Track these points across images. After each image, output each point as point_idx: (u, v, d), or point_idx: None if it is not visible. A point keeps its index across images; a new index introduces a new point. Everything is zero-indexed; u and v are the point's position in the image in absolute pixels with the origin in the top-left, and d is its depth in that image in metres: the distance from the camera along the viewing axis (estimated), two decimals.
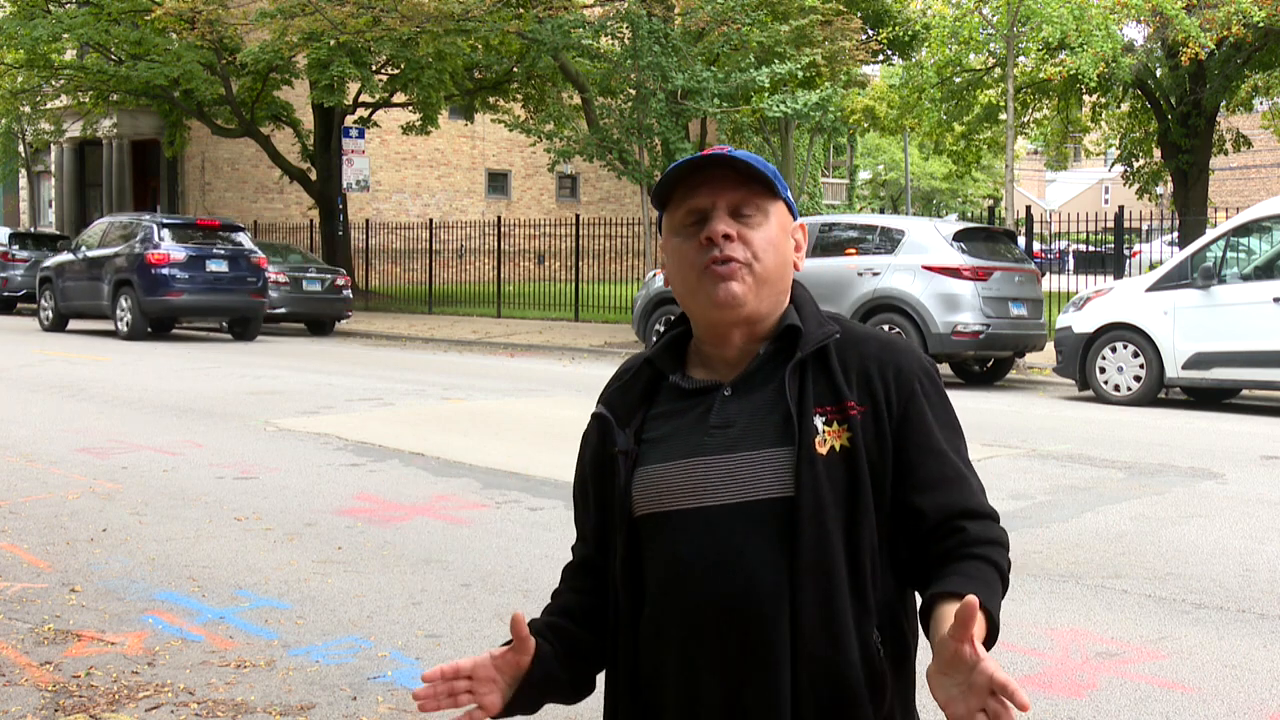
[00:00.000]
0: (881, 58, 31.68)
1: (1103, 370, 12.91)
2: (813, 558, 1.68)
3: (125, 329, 19.96)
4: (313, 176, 28.43)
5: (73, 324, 22.14)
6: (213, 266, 19.87)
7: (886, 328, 13.87)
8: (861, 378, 1.75)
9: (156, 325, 20.39)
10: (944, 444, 1.76)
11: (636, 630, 1.79)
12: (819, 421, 1.72)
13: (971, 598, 1.49)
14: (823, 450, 1.71)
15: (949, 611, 1.60)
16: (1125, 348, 12.73)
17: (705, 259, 1.77)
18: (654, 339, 13.25)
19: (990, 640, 1.63)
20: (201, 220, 22.42)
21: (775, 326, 1.80)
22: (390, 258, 31.72)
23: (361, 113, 28.53)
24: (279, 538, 6.39)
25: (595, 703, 1.94)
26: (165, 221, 20.71)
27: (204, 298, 19.86)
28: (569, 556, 1.97)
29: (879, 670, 1.71)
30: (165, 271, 19.46)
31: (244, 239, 20.89)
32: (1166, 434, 10.47)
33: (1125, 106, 26.61)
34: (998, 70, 23.26)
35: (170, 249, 19.63)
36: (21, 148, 34.16)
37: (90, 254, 20.78)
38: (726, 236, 1.76)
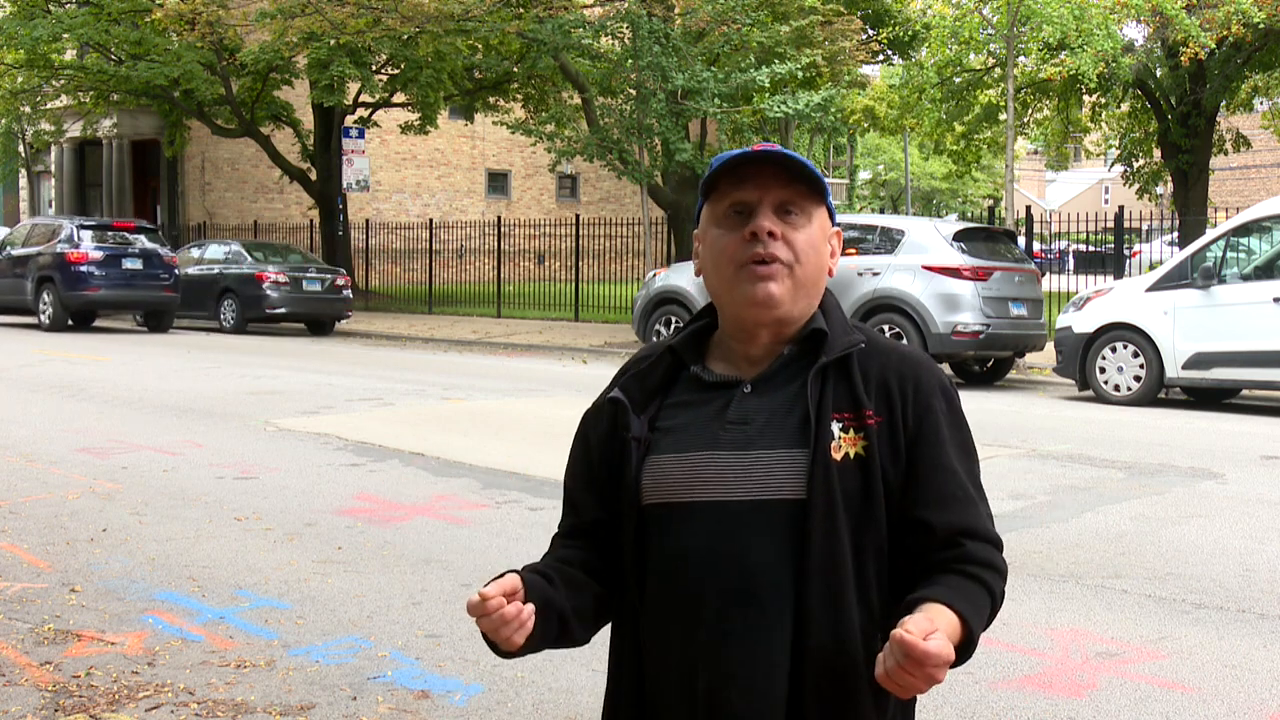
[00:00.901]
0: (881, 58, 31.68)
1: (1103, 370, 12.91)
2: (821, 560, 1.69)
3: (47, 321, 21.39)
4: (313, 176, 28.43)
5: (0, 318, 23.09)
6: (128, 264, 21.48)
7: (886, 328, 13.88)
8: (881, 389, 1.75)
9: (76, 318, 21.80)
10: (955, 463, 1.76)
11: (640, 619, 1.80)
12: (836, 427, 1.73)
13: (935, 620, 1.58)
14: (837, 456, 1.71)
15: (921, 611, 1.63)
16: (1125, 348, 12.73)
17: (747, 255, 1.76)
18: (654, 339, 13.23)
19: (963, 657, 1.66)
20: (118, 222, 24.24)
21: (801, 329, 1.81)
22: (390, 258, 31.71)
23: (361, 113, 28.52)
24: (279, 538, 6.39)
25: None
26: (84, 223, 22.57)
27: (120, 293, 21.45)
28: None
29: None
30: (84, 269, 21.11)
31: (157, 239, 22.81)
32: (1166, 434, 10.47)
33: (1125, 106, 26.62)
34: (998, 70, 23.27)
35: (88, 248, 21.35)
36: (21, 148, 34.13)
37: (15, 253, 22.32)
38: (771, 234, 1.76)
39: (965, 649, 1.65)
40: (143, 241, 22.14)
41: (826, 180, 1.84)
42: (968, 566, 1.71)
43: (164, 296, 21.89)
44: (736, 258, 1.77)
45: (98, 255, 21.29)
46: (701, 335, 1.87)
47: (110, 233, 22.36)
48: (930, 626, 1.55)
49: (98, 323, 22.97)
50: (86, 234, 21.70)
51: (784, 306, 1.77)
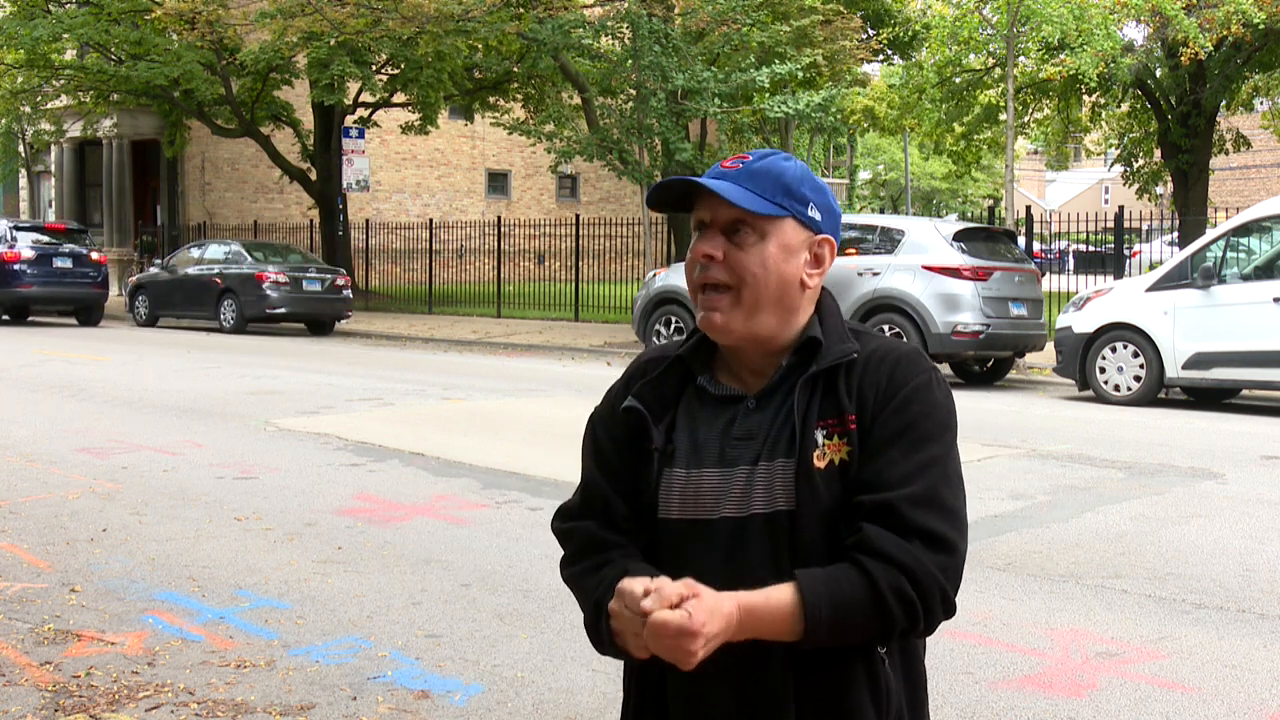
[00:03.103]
0: (882, 58, 31.69)
1: (1103, 370, 12.91)
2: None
3: None
4: (313, 176, 28.43)
5: None
6: (59, 263, 23.30)
7: (886, 328, 13.87)
8: (860, 390, 1.74)
9: (11, 313, 23.70)
10: (900, 452, 1.70)
11: None
12: (819, 435, 1.72)
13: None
14: (821, 464, 1.71)
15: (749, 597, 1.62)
16: (1125, 348, 12.73)
17: (695, 279, 1.80)
18: (654, 339, 13.22)
19: (809, 642, 1.62)
20: (50, 224, 25.98)
21: (797, 338, 1.80)
22: (390, 258, 31.71)
23: (361, 112, 28.52)
24: (279, 538, 6.39)
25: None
26: (18, 225, 24.41)
27: (51, 289, 23.29)
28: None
29: (882, 675, 1.72)
30: (17, 267, 22.88)
31: (86, 240, 24.41)
32: (1166, 434, 10.47)
33: (1125, 106, 26.64)
34: (998, 70, 23.27)
35: (21, 248, 23.09)
36: (21, 148, 34.13)
37: None
38: (709, 257, 1.77)
39: (810, 634, 1.61)
40: (74, 242, 23.87)
41: (797, 188, 1.78)
42: (853, 553, 1.65)
43: (92, 293, 23.68)
44: (691, 278, 1.81)
45: (30, 255, 22.98)
46: (708, 342, 1.86)
47: (43, 233, 24.19)
48: (685, 592, 1.55)
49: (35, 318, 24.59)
50: (20, 235, 23.46)
51: (735, 331, 1.77)
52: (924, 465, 1.69)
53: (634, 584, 1.59)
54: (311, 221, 30.62)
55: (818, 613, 1.61)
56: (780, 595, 1.62)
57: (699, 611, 1.54)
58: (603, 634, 1.73)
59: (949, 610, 1.68)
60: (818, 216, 1.81)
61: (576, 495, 1.90)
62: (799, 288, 1.79)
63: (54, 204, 37.80)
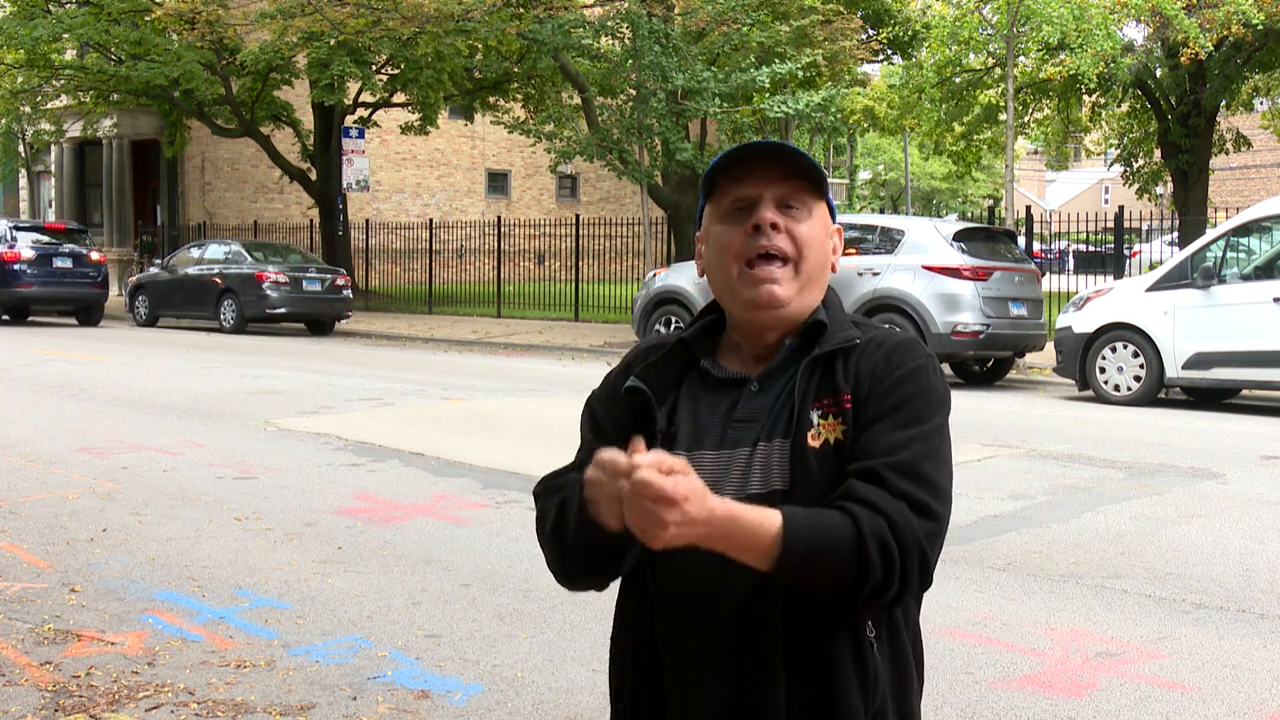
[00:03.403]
0: (882, 58, 31.70)
1: (1103, 370, 12.91)
2: None
3: None
4: (313, 176, 28.43)
5: None
6: (59, 263, 23.41)
7: (886, 328, 13.86)
8: (857, 371, 1.76)
9: (12, 313, 23.80)
10: (892, 426, 1.71)
11: (650, 619, 1.80)
12: (815, 415, 1.73)
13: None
14: (815, 443, 1.72)
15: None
16: (1125, 348, 12.73)
17: (751, 249, 1.78)
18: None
19: (782, 568, 1.59)
20: (50, 224, 26.16)
21: (804, 321, 1.82)
22: (390, 258, 31.71)
23: (361, 113, 28.52)
24: (279, 538, 6.39)
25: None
26: (18, 225, 24.53)
27: (51, 289, 23.41)
28: None
29: (870, 661, 1.72)
30: (17, 267, 22.99)
31: (86, 240, 24.62)
32: (1166, 434, 10.47)
33: (1125, 106, 26.63)
34: (998, 70, 23.27)
35: (21, 248, 23.21)
36: (21, 148, 34.13)
37: None
38: (775, 225, 1.77)
39: (784, 559, 1.59)
40: (74, 242, 23.99)
41: (826, 176, 1.86)
42: (840, 500, 1.65)
43: (92, 293, 23.75)
44: (741, 253, 1.79)
45: (30, 255, 23.08)
46: (712, 329, 1.88)
47: (43, 233, 24.32)
48: (679, 467, 1.51)
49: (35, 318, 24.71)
50: (20, 235, 23.59)
51: (790, 305, 1.79)
52: (910, 439, 1.70)
53: (617, 451, 1.56)
54: (311, 221, 30.62)
55: (796, 536, 1.58)
56: (765, 514, 1.60)
57: (684, 485, 1.51)
58: (569, 534, 1.72)
59: (926, 577, 1.66)
60: (834, 206, 1.88)
61: (569, 465, 1.89)
62: (830, 270, 1.86)
63: (54, 204, 37.79)
